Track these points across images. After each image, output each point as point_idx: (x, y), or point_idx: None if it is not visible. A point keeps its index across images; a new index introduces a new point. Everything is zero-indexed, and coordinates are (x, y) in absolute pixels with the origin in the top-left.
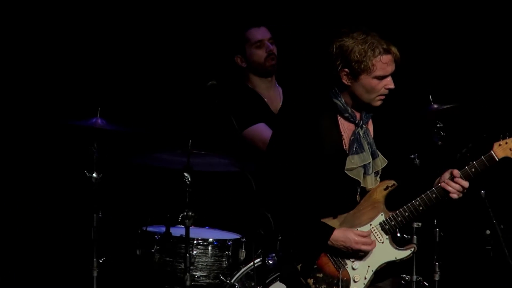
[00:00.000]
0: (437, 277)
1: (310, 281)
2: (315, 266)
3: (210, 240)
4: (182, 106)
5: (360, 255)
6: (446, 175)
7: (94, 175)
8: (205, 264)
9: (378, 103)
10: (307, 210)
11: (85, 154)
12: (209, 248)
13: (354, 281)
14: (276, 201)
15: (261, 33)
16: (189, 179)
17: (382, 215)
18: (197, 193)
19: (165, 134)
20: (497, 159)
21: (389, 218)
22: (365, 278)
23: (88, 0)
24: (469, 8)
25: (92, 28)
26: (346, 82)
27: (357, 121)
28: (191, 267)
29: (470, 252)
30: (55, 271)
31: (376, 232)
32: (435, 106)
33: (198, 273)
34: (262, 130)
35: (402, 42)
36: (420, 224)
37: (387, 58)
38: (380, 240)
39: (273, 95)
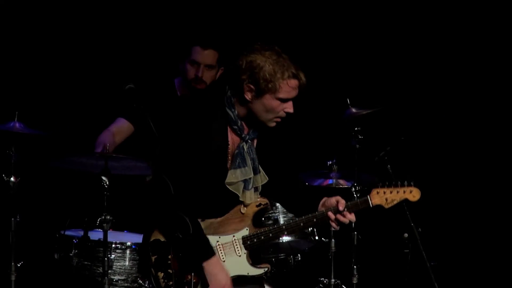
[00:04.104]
0: (355, 280)
1: (160, 274)
2: (169, 261)
3: (128, 243)
4: (100, 109)
5: None
6: (333, 201)
7: (12, 179)
8: (123, 268)
9: (273, 124)
10: (191, 213)
11: (2, 158)
12: (127, 252)
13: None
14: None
15: (201, 55)
16: (107, 182)
17: (247, 229)
18: (115, 197)
19: (83, 137)
20: (371, 205)
21: (253, 234)
22: None
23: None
24: (391, 14)
25: (8, 31)
26: (248, 98)
27: (243, 135)
28: (110, 271)
29: (388, 255)
30: None
31: (236, 244)
32: (353, 110)
33: (116, 277)
34: None
35: (323, 48)
36: (338, 227)
37: (294, 82)
38: (238, 253)
39: None
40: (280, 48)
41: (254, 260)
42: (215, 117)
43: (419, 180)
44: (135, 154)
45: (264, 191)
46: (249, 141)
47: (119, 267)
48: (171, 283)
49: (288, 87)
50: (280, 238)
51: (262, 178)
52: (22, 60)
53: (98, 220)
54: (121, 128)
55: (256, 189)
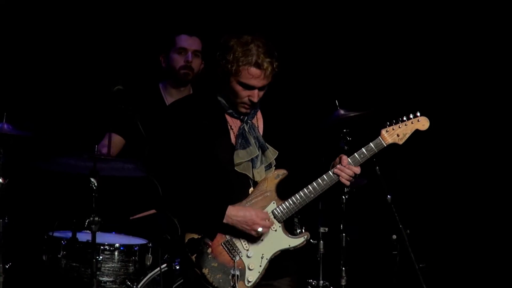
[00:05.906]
0: (343, 282)
1: (206, 270)
2: (210, 256)
3: (117, 245)
4: (88, 111)
5: (255, 239)
6: (338, 160)
7: (0, 180)
8: (111, 269)
9: (242, 110)
10: (201, 196)
11: None
12: (116, 253)
13: (249, 269)
14: (170, 191)
15: (188, 42)
16: (95, 184)
17: (274, 203)
18: (103, 198)
19: (71, 139)
20: (385, 145)
21: (281, 206)
22: (260, 266)
23: None
24: (382, 15)
25: None
26: (220, 74)
27: (241, 117)
28: (98, 273)
29: (377, 257)
30: None
31: None
32: (342, 111)
33: (104, 279)
34: None
35: (312, 47)
36: (326, 229)
37: (255, 71)
38: (273, 228)
39: None
40: (266, 39)
41: (290, 231)
42: (208, 107)
43: (408, 182)
44: (123, 155)
45: (278, 166)
46: (249, 121)
47: (107, 268)
48: (219, 275)
49: (248, 74)
50: None
51: (273, 153)
52: (10, 62)
53: (87, 221)
54: (115, 142)
55: (269, 165)
